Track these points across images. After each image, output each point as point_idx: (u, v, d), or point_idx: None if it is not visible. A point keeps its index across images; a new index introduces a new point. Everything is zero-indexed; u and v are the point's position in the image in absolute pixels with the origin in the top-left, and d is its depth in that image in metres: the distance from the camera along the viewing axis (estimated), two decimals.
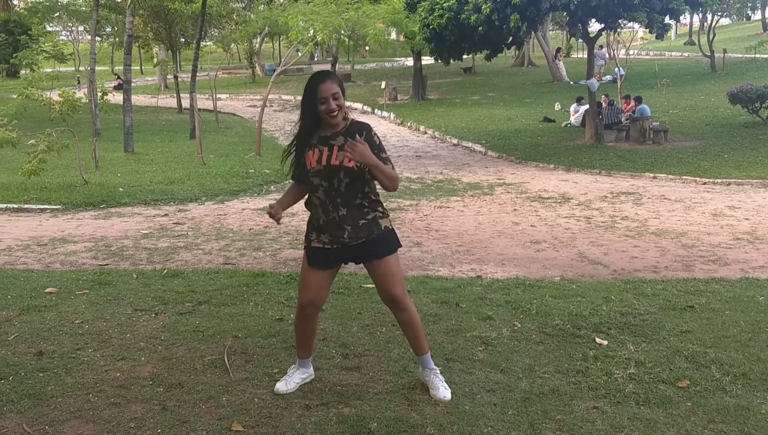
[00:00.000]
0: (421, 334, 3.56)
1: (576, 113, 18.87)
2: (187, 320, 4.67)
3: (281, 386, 3.54)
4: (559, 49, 32.76)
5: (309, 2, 17.48)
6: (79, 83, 28.25)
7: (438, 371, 3.57)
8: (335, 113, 3.31)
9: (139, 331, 4.46)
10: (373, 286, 5.44)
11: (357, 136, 3.31)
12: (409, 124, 21.51)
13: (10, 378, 3.69)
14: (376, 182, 3.42)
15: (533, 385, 3.64)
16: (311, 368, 3.69)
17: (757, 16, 50.94)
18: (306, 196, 3.52)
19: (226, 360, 3.94)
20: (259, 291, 5.42)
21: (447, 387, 3.49)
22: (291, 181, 3.59)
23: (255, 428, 3.19)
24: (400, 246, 3.53)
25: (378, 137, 3.41)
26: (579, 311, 4.88)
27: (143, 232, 8.37)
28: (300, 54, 24.18)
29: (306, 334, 3.60)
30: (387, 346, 4.20)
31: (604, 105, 17.68)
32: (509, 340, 4.32)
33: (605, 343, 4.28)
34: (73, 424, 3.23)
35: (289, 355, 4.03)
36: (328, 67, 35.15)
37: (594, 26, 17.97)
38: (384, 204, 3.53)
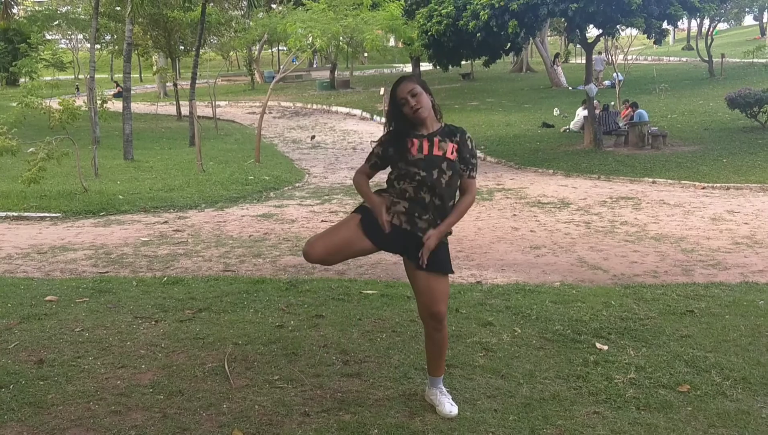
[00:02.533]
0: (444, 355, 3.49)
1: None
2: (187, 327, 4.67)
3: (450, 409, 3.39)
4: (557, 55, 32.86)
5: (307, 10, 17.52)
6: (78, 91, 28.25)
7: (445, 390, 3.50)
8: (419, 108, 3.28)
9: (140, 338, 4.46)
10: (373, 292, 5.49)
11: (454, 136, 3.31)
12: None
13: (11, 386, 3.69)
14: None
15: (534, 391, 3.64)
16: None
17: (748, 21, 51.11)
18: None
19: (226, 367, 3.94)
20: (259, 298, 5.42)
21: (453, 404, 3.43)
22: (367, 170, 3.44)
23: None
24: (452, 271, 3.42)
25: (472, 141, 3.37)
26: (579, 316, 4.88)
27: (143, 239, 8.37)
28: (296, 63, 24.14)
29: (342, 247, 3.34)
30: (387, 352, 4.20)
31: (597, 111, 17.70)
32: (509, 345, 4.32)
33: (605, 348, 4.28)
34: (73, 432, 3.23)
35: (289, 362, 4.03)
36: (327, 73, 35.27)
37: (592, 32, 18.03)
38: None
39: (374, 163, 3.43)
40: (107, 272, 6.70)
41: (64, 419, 3.34)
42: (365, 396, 3.58)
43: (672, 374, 3.86)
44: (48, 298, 5.38)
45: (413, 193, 3.26)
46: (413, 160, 3.26)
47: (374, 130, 21.72)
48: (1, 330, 4.60)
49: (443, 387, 3.51)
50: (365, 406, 3.47)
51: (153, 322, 4.80)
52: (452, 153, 3.27)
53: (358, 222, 3.32)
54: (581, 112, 19.16)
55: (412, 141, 3.29)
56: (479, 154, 16.90)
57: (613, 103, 19.66)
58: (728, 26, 53.60)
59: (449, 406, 3.40)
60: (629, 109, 17.67)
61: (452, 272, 3.40)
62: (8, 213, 9.92)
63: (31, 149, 10.99)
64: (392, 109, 3.35)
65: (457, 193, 3.37)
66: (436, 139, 3.29)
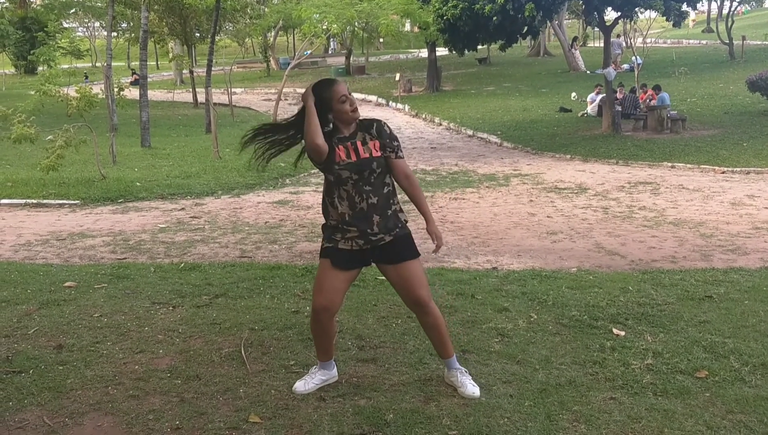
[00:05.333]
0: (446, 337, 3.51)
1: (592, 103, 18.72)
2: (204, 313, 4.70)
3: (299, 386, 3.47)
4: (575, 38, 32.48)
5: None
6: (86, 78, 28.34)
7: (465, 371, 3.51)
8: (356, 108, 3.36)
9: (157, 324, 4.50)
10: None
11: (370, 130, 3.39)
12: (423, 116, 21.45)
13: (31, 371, 3.74)
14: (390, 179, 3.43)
15: (550, 377, 3.63)
16: (334, 370, 3.60)
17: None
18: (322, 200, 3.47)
19: (243, 352, 3.96)
20: (275, 283, 5.44)
21: (475, 384, 3.45)
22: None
23: (272, 420, 3.21)
24: (419, 255, 3.46)
25: (389, 127, 3.44)
26: (596, 302, 4.85)
27: (160, 226, 8.43)
28: (308, 53, 24.06)
29: (323, 338, 3.52)
30: (403, 337, 4.20)
31: (619, 96, 17.51)
32: (525, 331, 4.31)
33: (622, 333, 4.25)
34: (92, 416, 3.26)
35: (305, 347, 4.05)
36: (342, 60, 35.16)
37: (610, 15, 17.81)
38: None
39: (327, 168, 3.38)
40: (125, 258, 6.76)
41: (82, 403, 3.38)
42: (380, 381, 3.59)
43: (690, 360, 3.82)
44: (67, 284, 5.43)
45: (349, 202, 3.33)
46: (345, 165, 3.32)
47: (390, 116, 21.66)
48: (20, 316, 4.66)
49: (462, 368, 3.52)
50: (380, 391, 3.48)
51: (170, 308, 4.83)
52: (377, 150, 3.34)
53: (330, 265, 3.40)
54: (590, 99, 18.97)
55: (339, 146, 3.34)
56: (495, 139, 16.82)
57: (633, 86, 19.44)
58: (749, 8, 52.69)
59: (471, 387, 3.42)
60: (650, 92, 17.45)
61: (419, 255, 3.46)
62: (28, 200, 10.02)
63: (49, 137, 11.07)
64: (319, 109, 3.32)
65: (389, 175, 3.40)
66: (359, 142, 3.35)
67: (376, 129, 3.40)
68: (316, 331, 3.51)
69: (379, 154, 3.35)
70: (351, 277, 3.47)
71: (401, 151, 3.44)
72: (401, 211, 3.47)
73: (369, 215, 3.34)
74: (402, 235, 3.40)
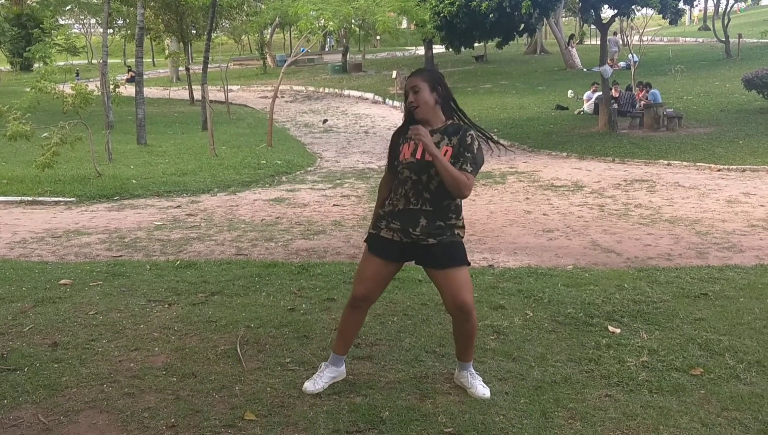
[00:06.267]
0: (473, 344, 3.49)
1: (589, 100, 18.73)
2: (200, 311, 4.70)
3: (309, 386, 3.43)
4: (572, 36, 32.48)
5: None
6: (77, 76, 28.25)
7: (475, 373, 3.50)
8: (415, 106, 3.30)
9: (153, 321, 4.50)
10: None
11: (453, 137, 3.25)
12: None
13: (26, 369, 3.73)
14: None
15: (545, 374, 3.63)
16: (343, 367, 3.55)
17: (765, 0, 50.25)
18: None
19: (238, 350, 3.96)
20: (271, 281, 5.44)
21: (485, 385, 3.43)
22: (387, 174, 3.48)
23: (267, 417, 3.20)
24: (468, 264, 3.38)
25: (472, 138, 3.26)
26: (592, 299, 4.86)
27: (156, 223, 8.42)
28: (305, 50, 24.04)
29: (351, 328, 3.48)
30: (398, 335, 4.21)
31: (615, 94, 17.52)
32: (521, 328, 4.31)
33: (618, 331, 4.26)
34: (87, 414, 3.26)
35: (301, 344, 4.05)
36: (339, 57, 35.14)
37: (607, 12, 17.79)
38: None
39: (390, 165, 3.47)
40: (121, 256, 6.74)
41: (78, 401, 3.37)
42: (376, 378, 3.59)
43: (685, 357, 3.83)
44: (62, 281, 5.42)
45: (405, 200, 3.29)
46: (406, 163, 3.29)
47: (386, 113, 21.66)
48: (16, 313, 4.65)
49: (473, 370, 3.51)
50: (376, 388, 3.48)
51: (166, 306, 4.83)
52: (445, 156, 3.21)
53: (368, 251, 3.39)
54: (587, 97, 18.98)
55: (409, 142, 3.30)
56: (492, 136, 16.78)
57: (628, 84, 19.45)
58: (745, 6, 52.75)
59: (482, 388, 3.41)
60: (644, 91, 17.48)
61: (468, 264, 3.38)
62: (23, 197, 10.00)
63: (44, 134, 11.05)
64: (405, 98, 3.41)
65: (456, 199, 3.30)
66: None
67: (459, 136, 3.25)
68: (348, 319, 3.48)
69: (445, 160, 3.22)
70: (390, 268, 3.38)
71: (469, 166, 3.20)
72: (461, 227, 3.34)
73: (416, 217, 3.27)
74: (449, 242, 3.28)
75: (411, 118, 3.35)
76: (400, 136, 3.40)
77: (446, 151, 3.23)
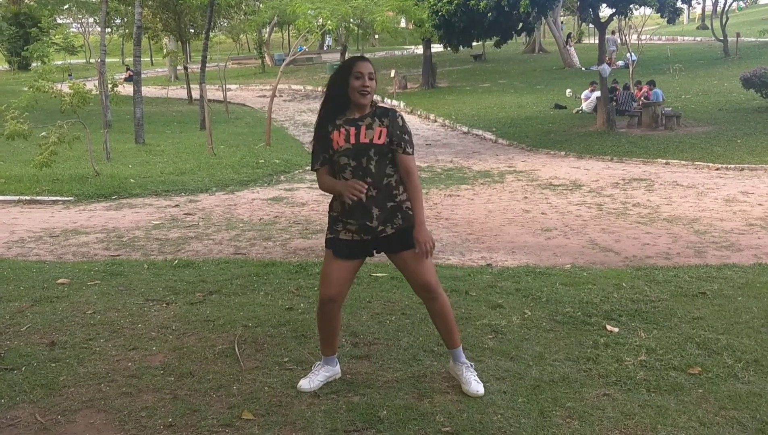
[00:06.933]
0: (453, 325, 3.48)
1: (587, 100, 18.74)
2: (197, 310, 4.69)
3: (305, 384, 3.44)
4: (570, 35, 32.52)
5: None
6: (71, 76, 28.21)
7: (471, 365, 3.49)
8: (368, 91, 3.30)
9: (151, 321, 4.49)
10: (383, 275, 5.48)
11: (383, 118, 3.31)
12: (419, 113, 21.45)
13: (23, 368, 3.72)
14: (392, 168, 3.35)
15: (543, 373, 3.63)
16: (338, 366, 3.58)
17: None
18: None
19: (236, 349, 3.95)
20: (269, 280, 5.43)
21: (479, 381, 3.42)
22: (317, 169, 3.42)
23: (265, 417, 3.20)
24: None
25: (402, 119, 3.37)
26: (590, 298, 4.86)
27: (154, 222, 8.41)
28: (302, 48, 24.02)
29: (329, 331, 3.51)
30: (397, 334, 4.20)
31: (618, 91, 17.53)
32: (519, 327, 4.31)
33: (616, 330, 4.26)
34: (85, 413, 3.25)
35: (299, 344, 4.04)
36: (337, 56, 35.12)
37: (605, 11, 17.82)
38: None
39: (322, 159, 3.40)
40: (119, 255, 6.73)
41: (75, 400, 3.37)
42: (374, 378, 3.59)
43: (683, 356, 3.83)
44: (60, 280, 5.41)
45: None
46: (342, 150, 3.29)
47: None
48: (13, 313, 4.64)
49: (468, 362, 3.50)
50: (374, 387, 3.48)
51: (164, 305, 4.82)
52: (379, 137, 3.27)
53: (332, 255, 3.42)
54: (585, 96, 18.97)
55: (339, 130, 3.31)
56: (490, 135, 16.81)
57: (626, 83, 19.47)
58: (743, 4, 52.80)
59: (476, 385, 3.39)
60: (645, 89, 17.48)
61: None
62: (21, 197, 9.98)
63: (42, 133, 11.03)
64: (340, 80, 3.34)
65: (393, 165, 3.33)
66: (363, 126, 3.30)
67: (389, 118, 3.32)
68: (323, 323, 3.50)
69: (381, 142, 3.28)
70: (354, 266, 3.45)
71: (410, 148, 3.34)
72: (407, 201, 3.37)
73: (368, 208, 3.30)
74: (405, 228, 3.34)
75: (338, 105, 3.34)
76: (327, 125, 3.36)
77: (380, 131, 3.29)
